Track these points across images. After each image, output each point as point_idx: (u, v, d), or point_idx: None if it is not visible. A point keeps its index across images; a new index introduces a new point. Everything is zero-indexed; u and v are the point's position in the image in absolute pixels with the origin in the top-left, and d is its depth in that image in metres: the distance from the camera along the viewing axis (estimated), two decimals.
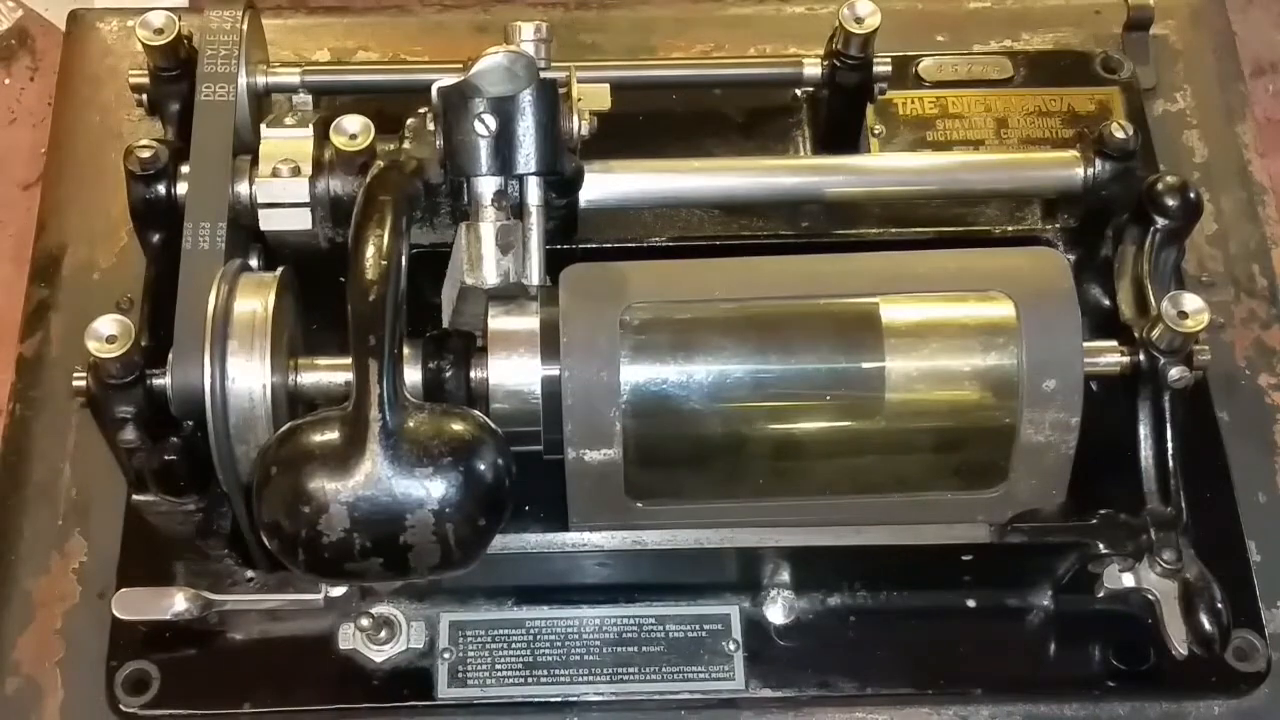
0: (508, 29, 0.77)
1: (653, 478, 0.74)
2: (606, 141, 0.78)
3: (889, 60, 0.88)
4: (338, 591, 0.76)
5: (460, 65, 0.75)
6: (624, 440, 0.71)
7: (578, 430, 0.71)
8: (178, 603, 0.75)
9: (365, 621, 0.76)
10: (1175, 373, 0.76)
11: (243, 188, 0.79)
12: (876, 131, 0.92)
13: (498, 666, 0.77)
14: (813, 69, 0.89)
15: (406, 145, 0.77)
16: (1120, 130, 0.82)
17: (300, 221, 0.79)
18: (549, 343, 0.72)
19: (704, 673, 0.77)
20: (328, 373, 0.73)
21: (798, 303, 0.75)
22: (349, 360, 0.65)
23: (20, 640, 0.79)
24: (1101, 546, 0.74)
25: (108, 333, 0.72)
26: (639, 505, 0.74)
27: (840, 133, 0.91)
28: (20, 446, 0.84)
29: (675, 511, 0.75)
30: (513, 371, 0.73)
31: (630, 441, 0.72)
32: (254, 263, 0.81)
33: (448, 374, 0.73)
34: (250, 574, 0.78)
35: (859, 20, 0.85)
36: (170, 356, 0.73)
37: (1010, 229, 0.88)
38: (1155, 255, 0.81)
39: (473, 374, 0.73)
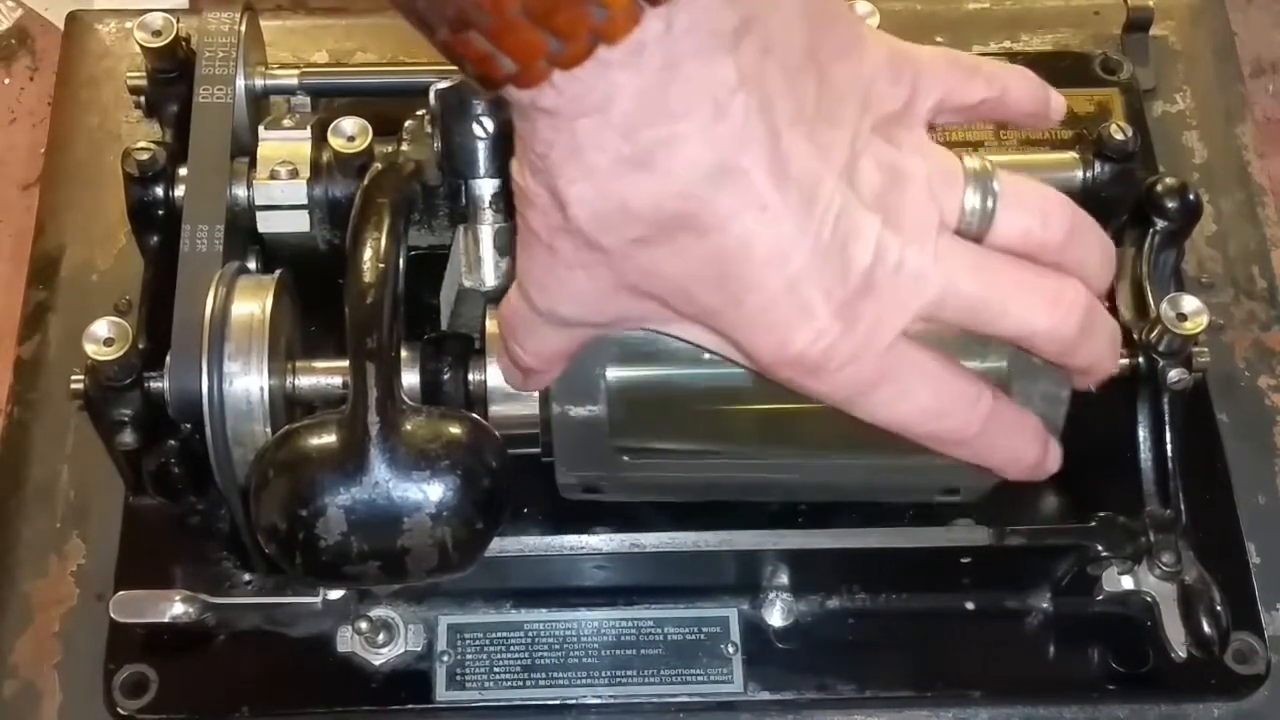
0: None
1: (638, 431, 0.71)
2: None
3: None
4: (335, 594, 0.76)
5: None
6: (608, 396, 0.68)
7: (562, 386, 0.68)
8: (176, 605, 0.75)
9: (363, 624, 0.76)
10: (1174, 375, 0.76)
11: (241, 190, 0.79)
12: None
13: (496, 669, 0.77)
14: None
15: (404, 147, 0.77)
16: (1119, 131, 0.82)
17: (298, 224, 0.79)
18: None
19: (703, 675, 0.77)
20: (325, 375, 0.73)
21: None
22: (347, 363, 0.65)
23: (18, 643, 0.78)
24: (1100, 549, 0.74)
25: (105, 335, 0.72)
26: (625, 459, 0.72)
27: None
28: (18, 449, 0.83)
29: (661, 465, 0.72)
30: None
31: (614, 397, 0.68)
32: (252, 265, 0.81)
33: (446, 376, 0.73)
34: (248, 577, 0.78)
35: None
36: (168, 359, 0.73)
37: None
38: (1154, 257, 0.80)
39: (471, 376, 0.72)
